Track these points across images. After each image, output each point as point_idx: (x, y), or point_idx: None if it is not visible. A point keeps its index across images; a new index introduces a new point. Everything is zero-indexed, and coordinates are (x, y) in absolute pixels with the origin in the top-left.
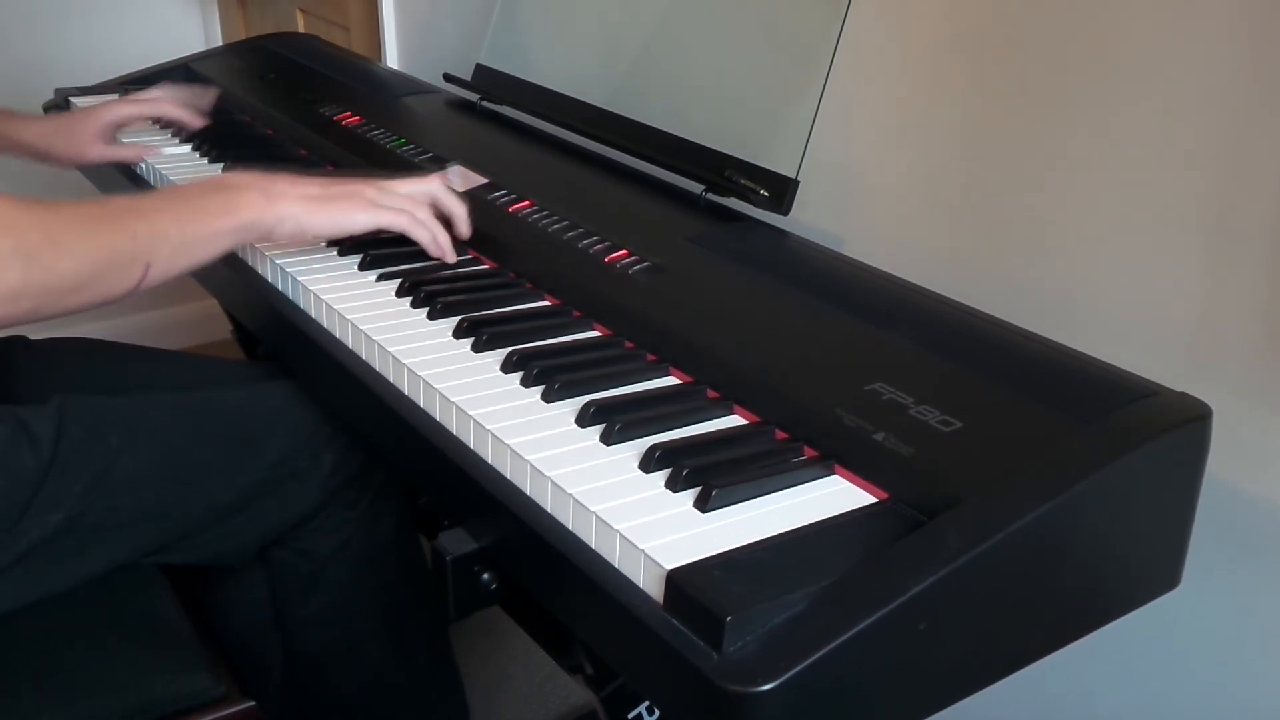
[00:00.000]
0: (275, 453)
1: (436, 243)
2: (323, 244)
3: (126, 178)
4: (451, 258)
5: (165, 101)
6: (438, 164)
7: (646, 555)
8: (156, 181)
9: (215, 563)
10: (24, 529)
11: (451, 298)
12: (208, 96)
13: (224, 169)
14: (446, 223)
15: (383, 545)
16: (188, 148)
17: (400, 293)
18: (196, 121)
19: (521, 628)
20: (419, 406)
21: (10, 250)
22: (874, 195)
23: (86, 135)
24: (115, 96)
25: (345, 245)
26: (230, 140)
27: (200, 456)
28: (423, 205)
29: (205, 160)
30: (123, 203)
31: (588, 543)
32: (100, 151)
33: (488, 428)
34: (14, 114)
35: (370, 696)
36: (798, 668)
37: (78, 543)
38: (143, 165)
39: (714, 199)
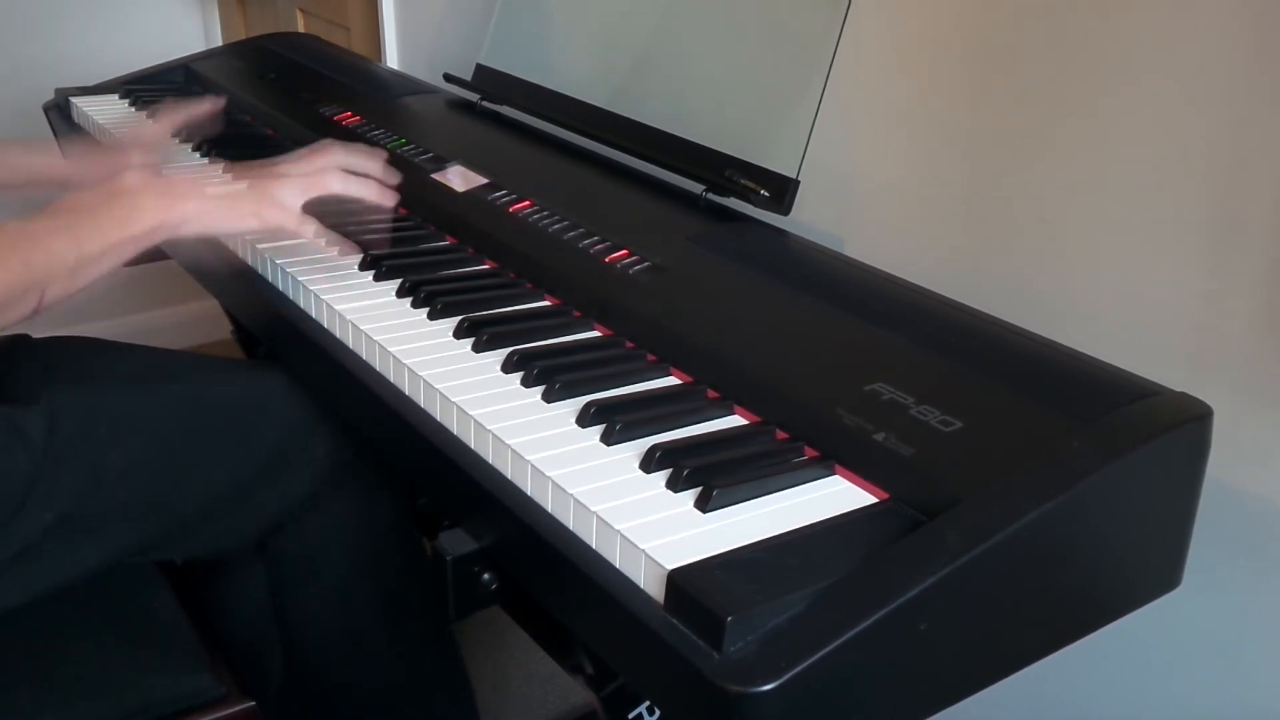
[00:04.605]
0: (267, 442)
1: (380, 195)
2: (322, 243)
3: None
4: (390, 201)
5: (174, 110)
6: (438, 164)
7: (647, 555)
8: None
9: (212, 556)
10: (18, 527)
11: (452, 298)
12: (206, 103)
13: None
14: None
15: (380, 531)
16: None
17: (400, 293)
18: (213, 109)
19: (521, 628)
20: (420, 407)
21: None
22: (874, 195)
23: (129, 156)
24: (115, 96)
25: None
26: (231, 140)
27: (192, 448)
28: (332, 179)
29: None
30: (14, 228)
31: (588, 543)
32: (142, 160)
33: (488, 428)
34: (32, 145)
35: (372, 693)
36: (798, 668)
37: (73, 539)
38: None
39: (714, 199)
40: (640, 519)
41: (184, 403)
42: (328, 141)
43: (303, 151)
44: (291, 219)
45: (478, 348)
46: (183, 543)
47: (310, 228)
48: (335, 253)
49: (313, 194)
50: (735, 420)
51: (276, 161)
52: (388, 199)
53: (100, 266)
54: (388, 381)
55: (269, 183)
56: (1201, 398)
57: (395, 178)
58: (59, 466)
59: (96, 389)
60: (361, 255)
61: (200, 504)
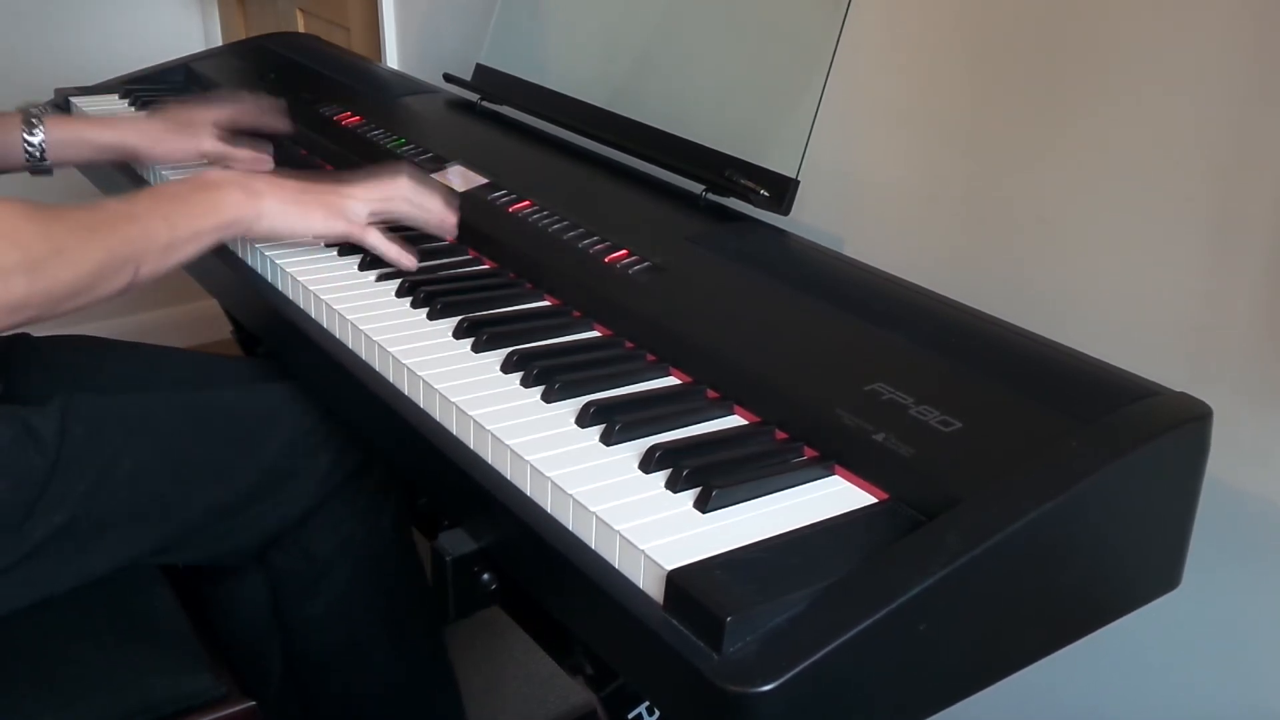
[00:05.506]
0: (273, 453)
1: (403, 256)
2: (322, 244)
3: (130, 180)
4: (450, 233)
5: (251, 107)
6: (438, 164)
7: (646, 555)
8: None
9: (214, 563)
10: (30, 529)
11: (451, 298)
12: (275, 109)
13: None
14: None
15: (382, 543)
16: None
17: (400, 293)
18: (282, 125)
19: (521, 628)
20: (419, 407)
21: (16, 264)
22: (874, 195)
23: (202, 131)
24: (115, 96)
25: (345, 246)
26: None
27: (200, 456)
28: (391, 206)
29: None
30: (116, 207)
31: (588, 543)
32: (214, 146)
33: (488, 428)
34: (86, 118)
35: (371, 696)
36: (798, 668)
37: (80, 542)
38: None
39: (714, 199)
40: (640, 519)
41: (193, 410)
42: (400, 167)
43: (376, 172)
44: (356, 229)
45: (477, 348)
46: (185, 550)
47: (374, 235)
48: (394, 256)
49: (379, 213)
50: (735, 420)
51: (348, 180)
52: (447, 231)
53: (186, 251)
54: (387, 382)
55: (341, 197)
56: (1201, 398)
57: (455, 214)
58: (69, 470)
59: (108, 393)
60: (417, 263)
61: (203, 512)
